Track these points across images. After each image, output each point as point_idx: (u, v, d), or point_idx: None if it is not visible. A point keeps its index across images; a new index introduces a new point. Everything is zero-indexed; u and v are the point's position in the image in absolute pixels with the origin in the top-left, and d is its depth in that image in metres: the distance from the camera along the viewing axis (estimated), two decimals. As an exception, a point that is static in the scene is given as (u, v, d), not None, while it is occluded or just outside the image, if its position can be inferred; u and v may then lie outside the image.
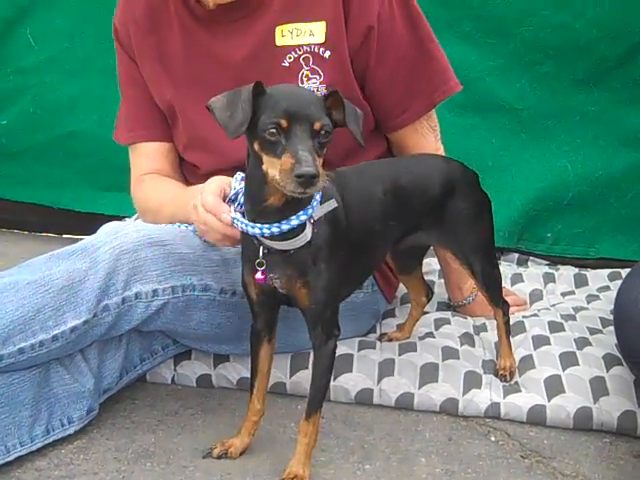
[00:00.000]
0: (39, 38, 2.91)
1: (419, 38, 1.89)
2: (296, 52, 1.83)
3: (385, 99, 1.91)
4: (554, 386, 1.87)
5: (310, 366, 1.93)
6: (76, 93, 2.94)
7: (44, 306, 1.62)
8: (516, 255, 2.78)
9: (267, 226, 1.48)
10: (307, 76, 1.84)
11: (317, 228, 1.51)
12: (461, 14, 2.64)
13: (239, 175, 1.62)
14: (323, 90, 1.84)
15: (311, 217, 1.48)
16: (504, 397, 1.88)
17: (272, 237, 1.50)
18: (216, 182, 1.66)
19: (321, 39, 1.82)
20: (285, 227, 1.47)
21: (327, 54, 1.83)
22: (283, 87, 1.46)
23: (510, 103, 2.72)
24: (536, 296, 2.42)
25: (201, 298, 1.79)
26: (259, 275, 1.55)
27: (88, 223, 2.54)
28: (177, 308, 1.76)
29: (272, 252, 1.52)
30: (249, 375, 1.90)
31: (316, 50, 1.82)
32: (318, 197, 1.49)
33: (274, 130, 1.38)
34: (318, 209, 1.49)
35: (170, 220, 1.87)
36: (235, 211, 1.58)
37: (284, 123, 1.38)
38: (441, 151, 2.06)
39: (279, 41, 1.84)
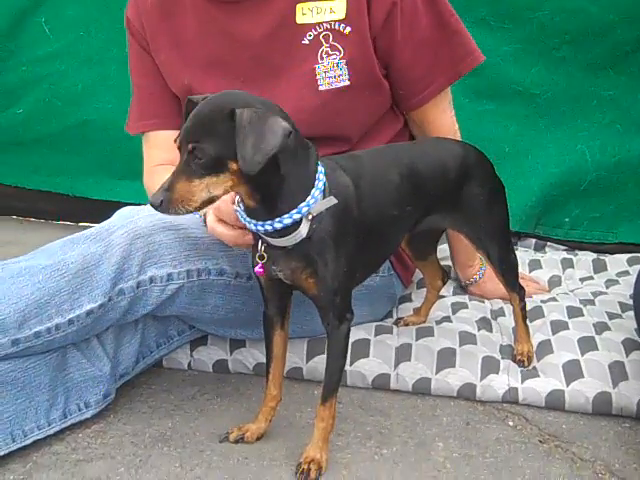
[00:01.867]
0: (54, 27, 2.91)
1: (439, 12, 1.87)
2: (316, 30, 1.82)
3: (409, 75, 1.90)
4: (573, 371, 1.85)
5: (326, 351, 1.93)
6: (91, 82, 2.94)
7: (59, 290, 1.62)
8: (533, 240, 2.76)
9: (261, 223, 1.47)
10: (327, 53, 1.82)
11: (317, 223, 1.48)
12: (477, -1, 2.62)
13: None
14: (344, 65, 1.81)
15: (308, 214, 1.46)
16: (522, 382, 1.86)
17: (267, 234, 1.49)
18: None
19: (341, 15, 1.80)
20: (278, 225, 1.46)
21: (347, 30, 1.81)
22: (206, 100, 1.44)
23: (526, 88, 2.69)
24: (555, 282, 2.40)
25: (216, 282, 1.78)
26: (258, 268, 1.55)
27: (104, 211, 2.49)
28: (192, 292, 1.75)
29: (272, 246, 1.52)
30: (265, 360, 1.91)
31: (336, 27, 1.81)
32: (317, 193, 1.46)
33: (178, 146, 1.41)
34: (317, 205, 1.47)
35: None
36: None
37: (176, 145, 1.41)
38: (457, 127, 2.05)
39: (299, 19, 1.82)
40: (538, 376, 1.87)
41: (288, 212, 1.45)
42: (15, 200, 3.23)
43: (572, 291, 2.32)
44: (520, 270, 1.97)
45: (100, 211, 2.81)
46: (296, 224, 1.46)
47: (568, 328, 2.02)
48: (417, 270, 2.26)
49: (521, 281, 1.98)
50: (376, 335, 2.00)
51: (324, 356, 1.88)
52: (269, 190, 1.44)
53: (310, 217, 1.46)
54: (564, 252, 2.65)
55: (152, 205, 1.38)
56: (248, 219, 1.50)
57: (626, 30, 2.54)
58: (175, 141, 1.43)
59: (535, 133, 2.73)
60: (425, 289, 2.20)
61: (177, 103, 1.98)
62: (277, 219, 1.45)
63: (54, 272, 1.63)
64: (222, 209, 1.58)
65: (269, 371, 1.68)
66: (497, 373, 1.89)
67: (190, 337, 1.97)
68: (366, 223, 1.60)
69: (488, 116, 2.72)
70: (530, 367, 1.91)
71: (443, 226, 1.87)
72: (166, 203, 1.37)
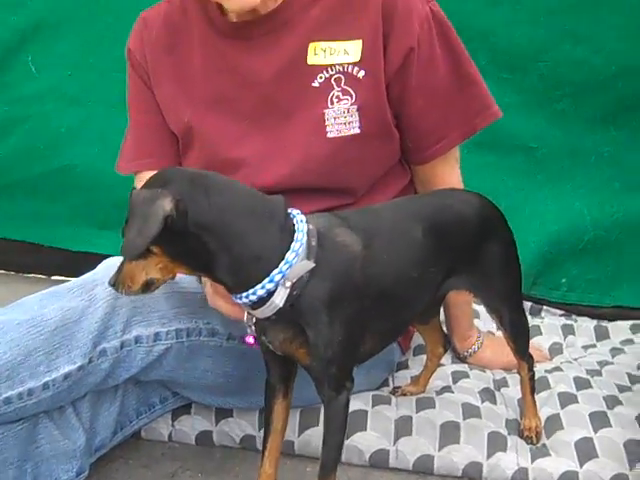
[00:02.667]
0: (41, 65, 2.77)
1: (458, 62, 1.77)
2: (327, 72, 1.70)
3: (421, 127, 1.78)
4: (586, 450, 1.72)
5: (321, 422, 1.78)
6: (76, 124, 2.79)
7: (35, 349, 1.48)
8: (529, 304, 2.63)
9: (237, 295, 1.37)
10: (338, 97, 1.70)
11: (299, 289, 1.36)
12: (477, 47, 2.51)
13: None
14: (355, 111, 1.70)
15: (285, 280, 1.34)
16: (532, 462, 1.73)
17: (246, 305, 1.39)
18: None
19: (356, 58, 1.69)
20: (252, 297, 1.35)
21: (361, 74, 1.69)
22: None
23: (525, 142, 2.59)
24: (556, 350, 2.28)
25: (207, 344, 1.65)
26: (249, 340, 1.44)
27: (81, 263, 2.35)
28: (181, 354, 1.62)
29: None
30: (254, 433, 1.78)
31: (349, 70, 1.69)
32: (292, 257, 1.34)
33: None
34: (293, 270, 1.35)
35: None
36: None
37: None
38: (462, 185, 1.94)
39: (310, 59, 1.70)
40: (549, 455, 1.74)
41: (260, 281, 1.34)
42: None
43: (576, 360, 2.20)
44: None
45: (77, 264, 2.67)
46: (272, 293, 1.35)
47: (577, 401, 1.89)
48: (414, 336, 2.14)
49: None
50: (374, 406, 1.86)
51: (318, 428, 1.78)
52: (211, 267, 1.35)
53: (288, 284, 1.34)
54: (563, 318, 2.53)
55: (108, 284, 1.39)
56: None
57: (628, 83, 2.45)
58: None
59: (533, 188, 2.64)
60: (422, 356, 2.07)
61: (175, 143, 1.85)
62: (250, 290, 1.35)
63: (30, 329, 1.49)
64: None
65: (265, 446, 1.54)
66: (505, 451, 1.75)
67: (173, 405, 1.83)
68: (376, 287, 1.46)
69: (486, 169, 2.60)
70: (539, 444, 1.77)
71: (460, 288, 1.73)
72: (117, 283, 1.36)
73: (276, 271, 1.33)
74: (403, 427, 1.80)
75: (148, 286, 1.35)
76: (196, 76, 1.79)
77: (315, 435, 1.78)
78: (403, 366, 2.10)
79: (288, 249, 1.35)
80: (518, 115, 2.57)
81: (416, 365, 2.08)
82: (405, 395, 1.94)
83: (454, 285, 1.67)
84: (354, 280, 1.42)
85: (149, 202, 1.27)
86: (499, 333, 2.15)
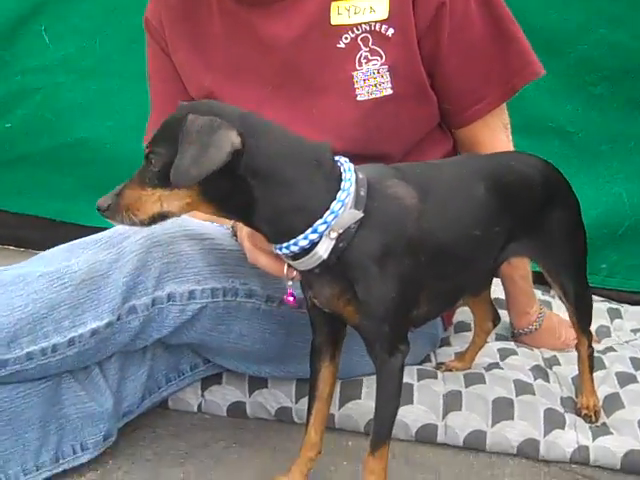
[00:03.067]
0: (55, 36, 2.64)
1: (495, 17, 1.64)
2: (353, 32, 1.58)
3: (457, 87, 1.66)
4: (650, 429, 1.60)
5: (363, 395, 1.66)
6: (90, 97, 2.66)
7: (59, 303, 1.35)
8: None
9: (278, 246, 1.24)
10: (366, 58, 1.59)
11: (345, 241, 1.23)
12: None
13: None
14: (385, 71, 1.58)
15: (330, 231, 1.22)
16: (593, 440, 1.60)
17: (287, 257, 1.26)
18: None
19: (383, 15, 1.57)
20: (294, 248, 1.23)
21: (390, 32, 1.57)
22: (183, 105, 1.25)
23: (562, 126, 2.49)
24: (603, 332, 2.15)
25: (244, 305, 1.52)
26: (288, 297, 1.32)
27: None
28: (216, 315, 1.49)
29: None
30: (290, 404, 1.65)
31: (377, 28, 1.57)
32: (338, 207, 1.22)
33: None
34: (339, 220, 1.22)
35: None
36: None
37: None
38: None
39: (334, 19, 1.58)
40: (611, 433, 1.61)
41: (303, 231, 1.21)
42: (-6, 225, 2.91)
43: (627, 342, 2.07)
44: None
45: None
46: (315, 244, 1.22)
47: (637, 381, 1.77)
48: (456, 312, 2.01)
49: (568, 330, 1.73)
50: (419, 379, 1.73)
51: (361, 401, 1.66)
52: (248, 213, 1.22)
53: (333, 235, 1.22)
54: (607, 302, 2.41)
55: (98, 208, 1.20)
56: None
57: (667, 66, 2.38)
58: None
59: (570, 173, 2.46)
60: (464, 334, 1.96)
61: None
62: (292, 241, 1.22)
63: (54, 281, 1.36)
64: (256, 234, 1.32)
65: (311, 413, 1.41)
66: (563, 428, 1.62)
67: (203, 374, 1.69)
68: (433, 243, 1.33)
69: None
70: (599, 423, 1.65)
71: (522, 255, 1.61)
72: (113, 208, 1.19)
73: (320, 221, 1.21)
74: (452, 402, 1.67)
75: (156, 219, 1.21)
76: (215, 43, 1.70)
77: (357, 409, 1.65)
78: (445, 343, 1.98)
79: (334, 199, 1.22)
80: (555, 99, 2.48)
81: (458, 342, 1.96)
82: (450, 371, 1.81)
83: (515, 251, 1.54)
84: (407, 234, 1.30)
85: (210, 130, 1.14)
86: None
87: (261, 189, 1.20)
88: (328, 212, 1.21)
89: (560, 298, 1.64)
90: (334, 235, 1.22)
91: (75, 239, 2.74)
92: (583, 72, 2.42)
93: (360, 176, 1.26)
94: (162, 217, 1.20)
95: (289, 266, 1.30)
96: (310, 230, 1.21)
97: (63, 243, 2.77)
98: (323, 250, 1.22)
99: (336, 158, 1.27)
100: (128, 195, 1.19)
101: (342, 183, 1.24)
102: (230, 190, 1.19)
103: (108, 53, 2.64)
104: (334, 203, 1.22)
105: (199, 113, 1.18)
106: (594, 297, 2.41)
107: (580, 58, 2.42)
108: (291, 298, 1.32)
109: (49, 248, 2.78)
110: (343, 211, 1.22)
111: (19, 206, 2.83)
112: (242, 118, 1.20)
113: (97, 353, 1.42)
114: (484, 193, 1.40)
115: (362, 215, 1.24)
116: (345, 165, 1.27)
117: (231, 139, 1.15)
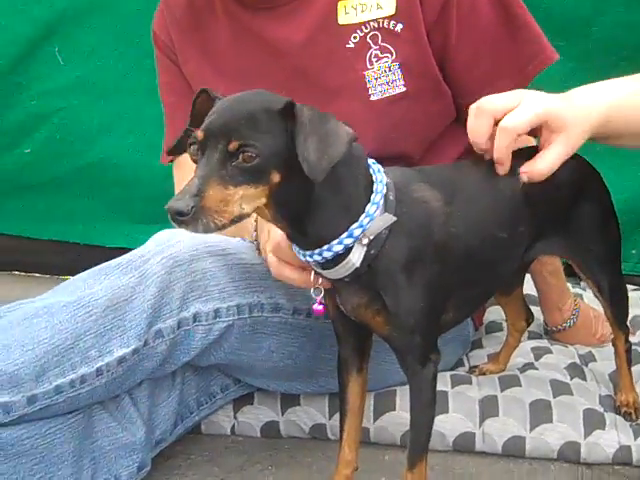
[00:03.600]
0: (69, 57, 2.64)
1: (504, 4, 1.60)
2: (362, 30, 1.55)
3: (468, 79, 1.62)
4: (695, 425, 1.56)
5: (398, 407, 1.64)
6: (107, 117, 2.66)
7: (85, 332, 1.34)
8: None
9: (309, 253, 1.19)
10: (377, 56, 1.56)
11: (376, 248, 1.19)
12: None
13: None
14: (397, 68, 1.55)
15: (362, 237, 1.18)
16: (635, 438, 1.56)
17: (318, 265, 1.22)
18: None
19: (391, 10, 1.54)
20: (327, 254, 1.18)
21: (399, 27, 1.54)
22: (235, 95, 1.18)
23: (583, 111, 2.46)
24: (639, 323, 2.11)
25: (271, 320, 1.50)
26: (317, 306, 1.28)
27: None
28: (243, 333, 1.47)
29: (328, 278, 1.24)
30: (324, 421, 1.63)
31: (385, 24, 1.54)
32: (373, 209, 1.18)
33: (194, 146, 1.11)
34: (372, 225, 1.18)
35: None
36: None
37: (200, 136, 1.10)
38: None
39: (342, 19, 1.56)
40: (653, 431, 1.58)
41: (338, 236, 1.17)
42: (18, 253, 2.88)
43: (664, 333, 2.03)
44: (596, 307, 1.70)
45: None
46: (348, 250, 1.18)
47: (679, 375, 1.73)
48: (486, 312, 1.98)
49: (605, 325, 1.69)
50: (453, 386, 1.70)
51: (395, 413, 1.63)
52: (298, 214, 1.17)
53: (365, 241, 1.18)
54: (639, 291, 2.36)
55: (175, 212, 1.03)
56: (297, 248, 1.22)
57: (688, 43, 2.32)
58: (191, 139, 1.12)
59: (592, 159, 2.46)
60: (496, 334, 1.93)
61: None
62: (325, 247, 1.17)
63: (78, 310, 1.35)
64: (282, 246, 1.29)
65: (343, 428, 1.38)
66: (603, 429, 1.59)
67: (234, 394, 1.68)
68: (459, 248, 1.29)
69: (543, 140, 2.48)
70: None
71: (553, 253, 1.57)
72: (198, 212, 1.04)
73: (356, 225, 1.17)
74: (489, 407, 1.64)
75: (233, 222, 1.09)
76: (225, 51, 1.68)
77: (391, 421, 1.63)
78: (477, 345, 1.95)
79: (369, 201, 1.19)
80: (575, 82, 2.37)
81: (491, 343, 1.93)
82: (484, 374, 1.78)
83: (544, 249, 1.50)
84: (435, 239, 1.26)
85: (321, 120, 1.10)
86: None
87: (320, 187, 1.14)
88: (363, 215, 1.17)
89: (594, 293, 1.60)
90: (366, 241, 1.18)
91: (100, 261, 2.77)
92: (603, 54, 2.38)
93: (388, 180, 1.23)
94: (238, 220, 1.10)
95: (316, 275, 1.27)
96: (346, 234, 1.17)
97: (88, 266, 2.80)
98: (356, 257, 1.19)
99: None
100: (213, 197, 1.05)
101: (374, 185, 1.20)
102: (296, 190, 1.13)
103: (123, 71, 2.63)
104: (369, 206, 1.18)
105: (275, 103, 1.13)
106: (626, 285, 2.39)
107: (598, 39, 2.38)
108: (320, 307, 1.29)
109: (75, 274, 2.82)
110: (378, 215, 1.19)
111: (41, 232, 2.83)
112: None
113: (126, 381, 1.41)
114: (509, 194, 1.35)
115: (395, 219, 1.20)
116: (374, 166, 1.23)
117: (346, 129, 1.11)
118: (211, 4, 1.68)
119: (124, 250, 2.61)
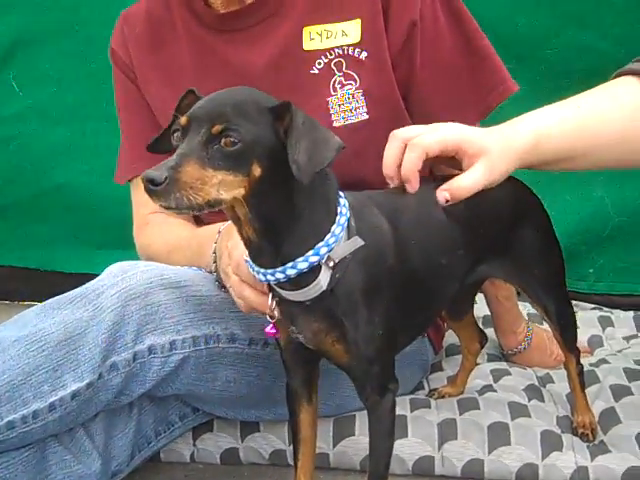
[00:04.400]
0: (24, 83, 2.63)
1: (466, 35, 1.63)
2: (327, 56, 1.57)
3: (431, 109, 1.63)
4: (649, 443, 1.58)
5: (357, 431, 1.64)
6: (64, 142, 2.64)
7: (37, 367, 1.32)
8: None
9: (270, 271, 1.17)
10: (341, 83, 1.57)
11: (340, 272, 1.19)
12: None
13: None
14: (360, 96, 1.57)
15: (327, 258, 1.17)
16: (592, 459, 1.58)
17: (279, 284, 1.20)
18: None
19: (356, 38, 1.56)
20: (291, 272, 1.16)
21: (363, 55, 1.56)
22: (227, 90, 1.20)
23: (537, 133, 2.50)
24: (596, 342, 2.14)
25: (227, 351, 1.49)
26: (269, 329, 1.27)
27: (78, 286, 2.24)
28: (199, 364, 1.46)
29: (286, 300, 1.23)
30: (284, 447, 1.62)
31: (350, 52, 1.56)
32: (338, 230, 1.17)
33: (177, 134, 1.12)
34: (339, 247, 1.18)
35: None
36: None
37: (184, 122, 1.11)
38: None
39: (307, 45, 1.57)
40: (609, 451, 1.59)
41: (303, 254, 1.16)
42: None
43: (620, 351, 2.06)
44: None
45: (75, 287, 2.52)
46: (313, 271, 1.17)
47: (632, 393, 1.75)
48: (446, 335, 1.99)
49: (555, 343, 1.71)
50: (412, 410, 1.71)
51: (355, 438, 1.64)
52: (273, 221, 1.15)
53: (331, 263, 1.17)
54: (596, 310, 2.39)
55: (148, 179, 1.03)
56: (257, 268, 1.20)
57: (638, 67, 2.38)
58: (175, 125, 1.14)
59: (550, 179, 2.51)
60: (456, 357, 1.94)
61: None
62: (290, 264, 1.16)
63: (30, 345, 1.33)
64: (242, 266, 1.29)
65: (297, 457, 1.38)
66: (561, 450, 1.60)
67: (193, 423, 1.66)
68: (407, 273, 1.30)
69: (500, 161, 2.51)
70: (596, 441, 1.63)
71: (494, 276, 1.59)
72: (171, 183, 1.03)
73: (322, 243, 1.16)
74: (447, 431, 1.64)
75: (208, 206, 1.07)
76: (186, 75, 1.67)
77: (351, 446, 1.63)
78: (437, 368, 1.96)
79: (334, 222, 1.18)
80: (528, 105, 2.42)
81: (450, 366, 1.94)
82: (444, 397, 1.79)
83: (487, 273, 1.53)
84: (389, 265, 1.27)
85: (313, 125, 1.11)
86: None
87: (297, 197, 1.15)
88: (329, 235, 1.17)
89: (542, 317, 1.63)
90: (331, 264, 1.18)
91: (61, 286, 2.73)
92: (555, 76, 2.42)
93: (347, 202, 1.23)
94: (212, 205, 1.08)
95: (272, 299, 1.26)
96: (312, 252, 1.16)
97: (48, 292, 2.75)
98: (324, 280, 1.18)
99: None
100: (189, 173, 1.05)
101: (338, 208, 1.20)
102: (275, 192, 1.13)
103: (79, 97, 2.62)
104: (334, 227, 1.18)
105: (266, 100, 1.15)
106: (584, 304, 2.43)
107: (550, 62, 2.42)
108: (273, 330, 1.28)
109: (32, 299, 2.78)
110: (342, 237, 1.18)
111: (1, 258, 2.80)
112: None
113: (80, 414, 1.39)
114: (447, 217, 1.36)
115: (363, 243, 1.20)
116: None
117: (336, 138, 1.13)
118: (172, 23, 1.68)
119: (84, 275, 2.58)
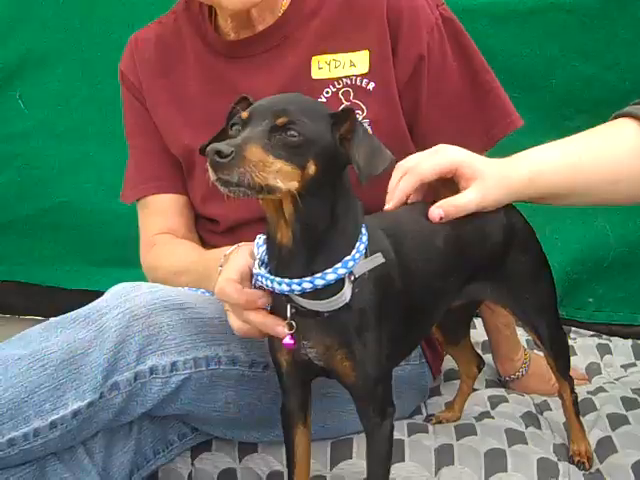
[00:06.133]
0: (30, 101, 2.67)
1: (473, 69, 1.67)
2: (334, 86, 1.60)
3: (437, 141, 1.64)
4: (645, 473, 1.58)
5: (355, 455, 1.64)
6: (69, 160, 2.68)
7: (39, 386, 1.33)
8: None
9: (297, 281, 1.21)
10: None
11: (358, 287, 1.23)
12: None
13: (259, 238, 1.32)
14: (367, 125, 1.60)
15: (351, 273, 1.21)
16: (588, 488, 1.59)
17: (303, 294, 1.23)
18: (235, 262, 1.38)
19: (364, 69, 1.60)
20: (319, 282, 1.20)
21: (371, 86, 1.60)
22: (288, 94, 1.28)
23: (540, 162, 2.52)
24: (594, 370, 2.15)
25: (228, 373, 1.50)
26: (287, 340, 1.28)
27: (80, 303, 2.25)
28: (200, 385, 1.47)
29: (303, 313, 1.25)
30: (281, 468, 1.62)
31: (358, 82, 1.60)
32: (362, 247, 1.22)
33: (237, 127, 1.18)
34: (360, 264, 1.22)
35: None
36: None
37: (245, 115, 1.17)
38: None
39: (315, 74, 1.61)
40: (605, 480, 1.60)
41: (331, 266, 1.20)
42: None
43: (617, 380, 2.07)
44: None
45: (76, 303, 2.51)
46: (338, 285, 1.21)
47: (629, 422, 1.75)
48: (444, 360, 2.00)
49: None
50: (410, 434, 1.71)
51: (352, 461, 1.64)
52: (313, 226, 1.20)
53: (352, 278, 1.22)
54: (595, 337, 2.41)
55: (215, 151, 1.07)
56: (278, 279, 1.23)
57: (642, 99, 2.40)
58: (234, 119, 1.20)
59: (551, 209, 2.51)
60: (454, 382, 1.94)
61: (178, 165, 1.76)
62: (319, 274, 1.20)
63: (32, 364, 1.34)
64: (226, 290, 1.35)
65: (292, 479, 1.39)
66: (556, 478, 1.60)
67: (192, 442, 1.66)
68: (409, 297, 1.34)
69: (502, 191, 2.53)
70: (592, 470, 1.63)
71: (484, 298, 1.60)
72: (237, 158, 1.07)
73: (349, 257, 1.21)
74: (444, 456, 1.65)
75: (266, 191, 1.11)
76: (194, 99, 1.71)
77: (349, 469, 1.63)
78: (435, 393, 1.97)
79: (358, 240, 1.23)
80: (532, 134, 2.41)
81: (449, 391, 1.95)
82: (441, 422, 1.80)
83: (477, 293, 1.55)
84: (396, 287, 1.31)
85: (371, 136, 1.20)
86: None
87: (340, 208, 1.21)
88: (355, 250, 1.22)
89: (535, 342, 1.64)
90: (352, 278, 1.22)
91: (62, 303, 2.75)
92: (559, 106, 2.45)
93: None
94: (268, 191, 1.12)
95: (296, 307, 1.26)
96: (340, 264, 1.20)
97: (50, 307, 2.78)
98: (349, 293, 1.22)
99: None
100: (254, 152, 1.09)
101: (361, 228, 1.25)
102: (323, 195, 1.19)
103: (84, 116, 2.67)
104: (358, 244, 1.23)
105: (324, 108, 1.23)
106: (584, 332, 2.44)
107: (555, 92, 2.45)
108: (291, 342, 1.28)
109: (37, 313, 2.79)
110: (363, 254, 1.23)
111: (4, 273, 2.84)
112: None
113: (81, 433, 1.40)
114: (442, 244, 1.40)
115: (384, 261, 1.25)
116: None
117: (388, 151, 1.19)
118: (183, 48, 1.72)
119: (85, 292, 2.63)
